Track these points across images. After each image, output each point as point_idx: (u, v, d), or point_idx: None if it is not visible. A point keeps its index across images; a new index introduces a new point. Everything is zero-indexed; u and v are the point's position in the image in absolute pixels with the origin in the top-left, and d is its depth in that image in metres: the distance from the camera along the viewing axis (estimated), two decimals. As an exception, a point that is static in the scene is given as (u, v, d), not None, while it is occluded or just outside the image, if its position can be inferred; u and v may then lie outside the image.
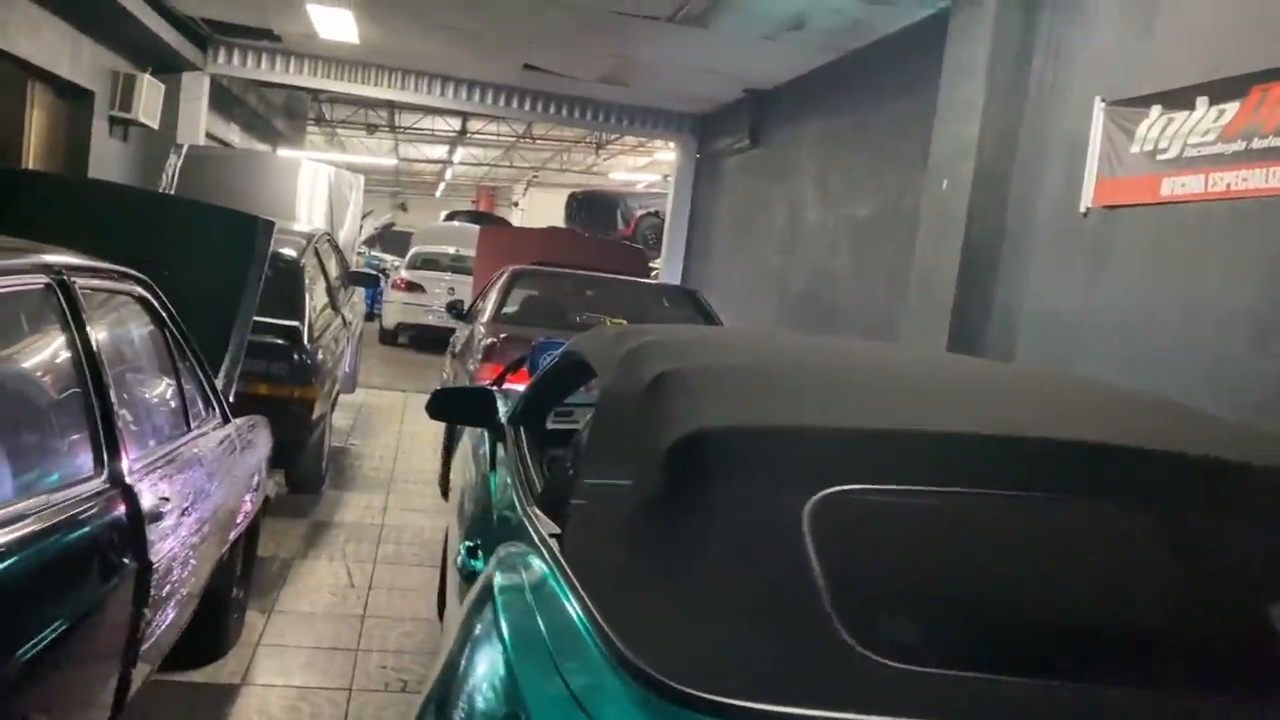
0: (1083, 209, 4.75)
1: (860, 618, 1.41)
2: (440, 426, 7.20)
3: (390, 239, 22.77)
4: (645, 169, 22.92)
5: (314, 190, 9.48)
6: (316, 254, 6.67)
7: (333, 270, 7.18)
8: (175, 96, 10.49)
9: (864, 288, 7.19)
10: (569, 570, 1.83)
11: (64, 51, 8.40)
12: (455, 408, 3.51)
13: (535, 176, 29.34)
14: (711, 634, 1.48)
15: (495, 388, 4.83)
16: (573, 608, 1.72)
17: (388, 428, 8.37)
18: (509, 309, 6.99)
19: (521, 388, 4.96)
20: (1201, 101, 4.08)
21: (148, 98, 9.58)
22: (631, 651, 1.44)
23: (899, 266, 6.59)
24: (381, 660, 3.90)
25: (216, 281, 4.05)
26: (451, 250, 14.73)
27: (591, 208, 17.69)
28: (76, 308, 2.34)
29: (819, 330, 7.71)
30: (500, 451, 3.23)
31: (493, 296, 7.11)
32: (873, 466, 1.63)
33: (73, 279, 2.38)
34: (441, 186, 33.05)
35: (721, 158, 10.81)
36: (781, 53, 7.89)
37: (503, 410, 3.39)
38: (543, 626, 1.70)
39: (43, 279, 2.26)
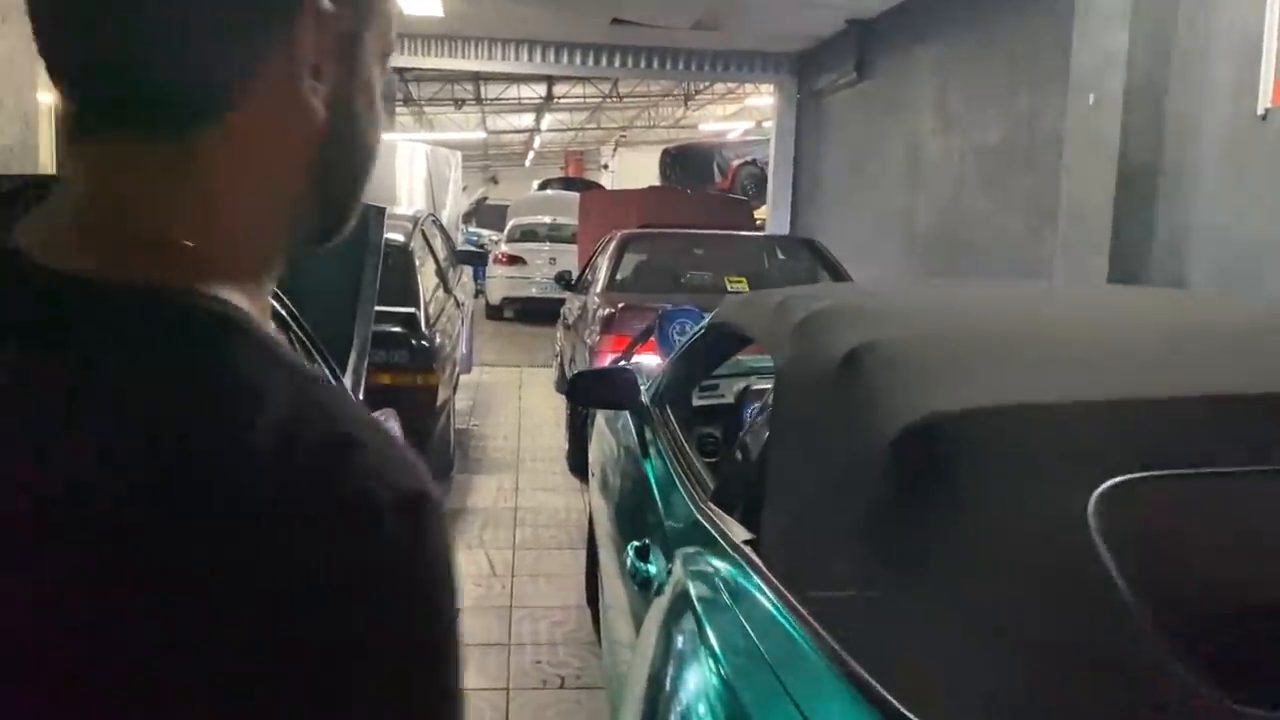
0: (1260, 111, 4.24)
1: (1198, 648, 1.11)
2: (561, 401, 7.04)
3: (484, 213, 22.76)
4: (736, 116, 22.37)
5: (412, 171, 9.39)
6: (424, 236, 6.58)
7: (440, 251, 7.06)
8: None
9: (1001, 222, 6.70)
10: (779, 585, 1.58)
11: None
12: (597, 391, 3.27)
13: (623, 136, 29.00)
14: (991, 671, 1.20)
15: (626, 362, 4.61)
16: (794, 629, 1.48)
17: (507, 405, 8.26)
18: (621, 276, 6.75)
19: (650, 358, 4.75)
20: None
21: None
22: (892, 692, 1.19)
23: (1040, 195, 6.11)
24: (535, 655, 3.74)
25: (333, 274, 3.89)
26: (548, 220, 14.57)
27: (686, 162, 17.31)
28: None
29: (954, 274, 7.26)
30: (648, 433, 3.00)
31: (603, 264, 6.88)
32: (1168, 445, 1.32)
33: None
34: (530, 155, 32.99)
35: (824, 96, 10.31)
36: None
37: (643, 389, 3.16)
38: (764, 651, 1.48)
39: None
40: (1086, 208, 5.07)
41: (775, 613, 1.57)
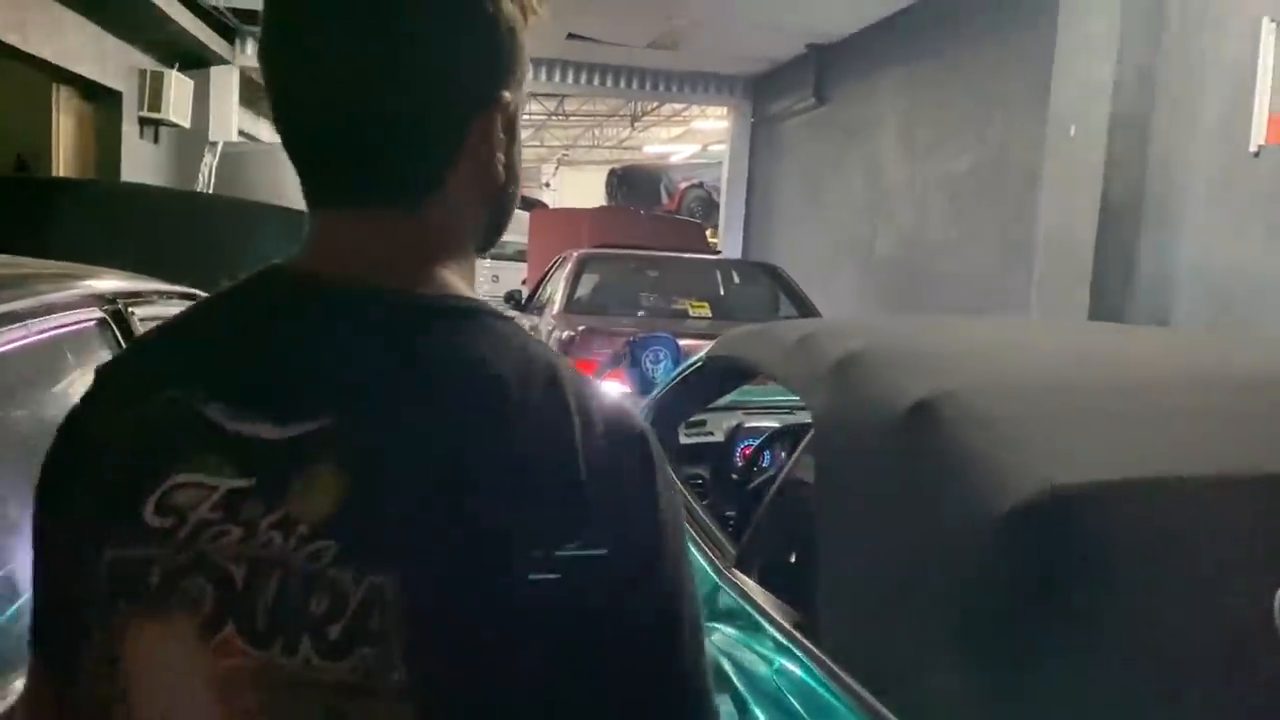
0: (1253, 148, 4.14)
1: None
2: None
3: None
4: (681, 139, 22.26)
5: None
6: None
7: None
8: (205, 92, 10.01)
9: (968, 253, 6.58)
10: (857, 688, 1.32)
11: (87, 51, 7.94)
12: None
13: (566, 155, 28.74)
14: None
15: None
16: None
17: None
18: (579, 296, 6.46)
19: (614, 386, 4.48)
20: None
21: (177, 96, 9.10)
22: None
23: (1010, 226, 5.99)
24: None
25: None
26: (489, 237, 14.23)
27: (633, 183, 17.09)
28: (138, 346, 1.84)
29: (916, 304, 7.12)
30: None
31: (559, 284, 6.58)
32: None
33: (131, 309, 1.88)
34: (470, 171, 32.51)
35: (780, 120, 10.17)
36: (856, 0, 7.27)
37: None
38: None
39: (95, 313, 1.77)
40: (1067, 240, 4.94)
41: (851, 715, 1.32)
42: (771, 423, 3.06)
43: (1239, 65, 4.23)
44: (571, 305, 6.23)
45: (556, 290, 6.53)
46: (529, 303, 7.34)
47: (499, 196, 0.72)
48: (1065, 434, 1.36)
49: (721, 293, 6.86)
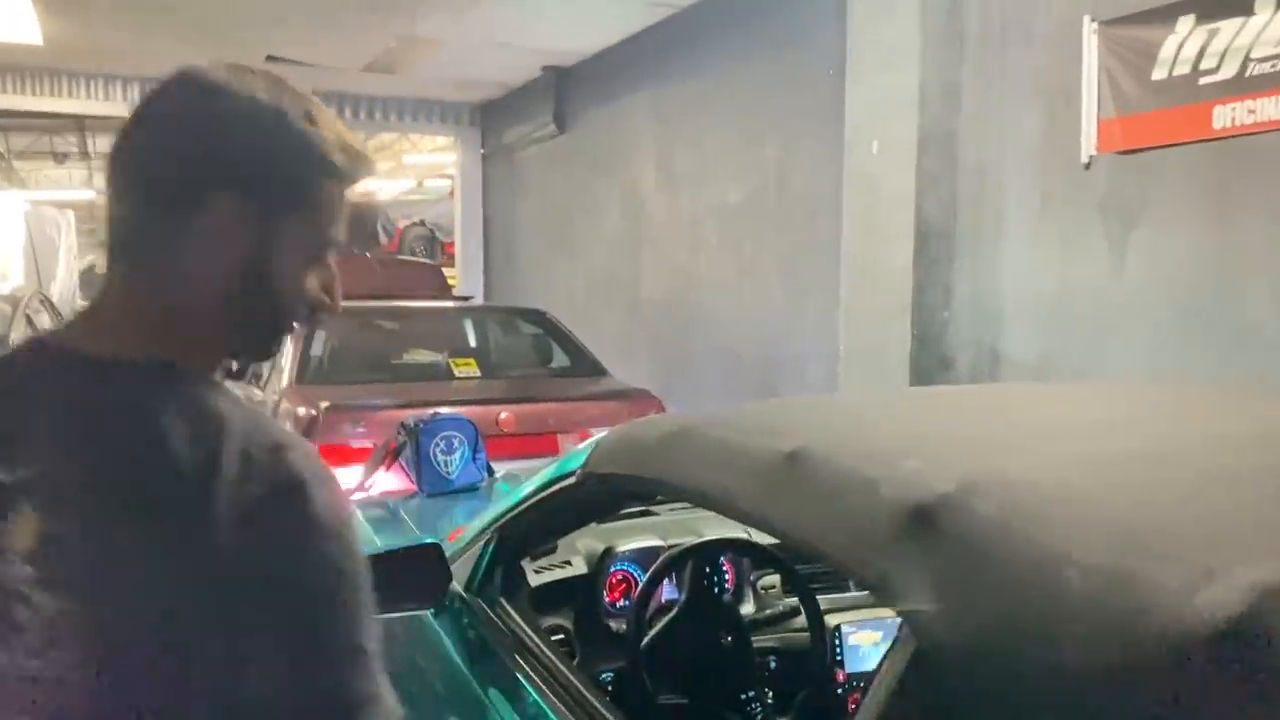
0: (1084, 159, 3.83)
1: None
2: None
3: (94, 284, 19.63)
4: (391, 174, 20.99)
5: (5, 237, 7.35)
6: (29, 322, 5.11)
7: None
8: None
9: (749, 289, 6.05)
10: None
11: None
12: (385, 588, 2.01)
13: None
14: None
15: (364, 492, 3.34)
16: None
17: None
18: (314, 362, 5.34)
19: (369, 484, 3.50)
20: (1264, 3, 3.21)
21: None
22: None
23: (802, 257, 5.52)
24: None
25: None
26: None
27: (348, 224, 15.73)
28: None
29: (691, 349, 6.54)
30: (473, 637, 1.91)
31: (285, 347, 5.43)
32: None
33: None
34: (150, 217, 29.41)
35: (516, 150, 9.38)
36: (600, 15, 6.63)
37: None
38: None
39: None
40: (877, 272, 4.49)
41: None
42: (651, 539, 2.25)
43: (1054, 71, 3.93)
44: (305, 374, 5.11)
45: (282, 355, 5.37)
46: (242, 371, 6.09)
47: (239, 300, 0.88)
48: None
49: (483, 345, 5.97)
